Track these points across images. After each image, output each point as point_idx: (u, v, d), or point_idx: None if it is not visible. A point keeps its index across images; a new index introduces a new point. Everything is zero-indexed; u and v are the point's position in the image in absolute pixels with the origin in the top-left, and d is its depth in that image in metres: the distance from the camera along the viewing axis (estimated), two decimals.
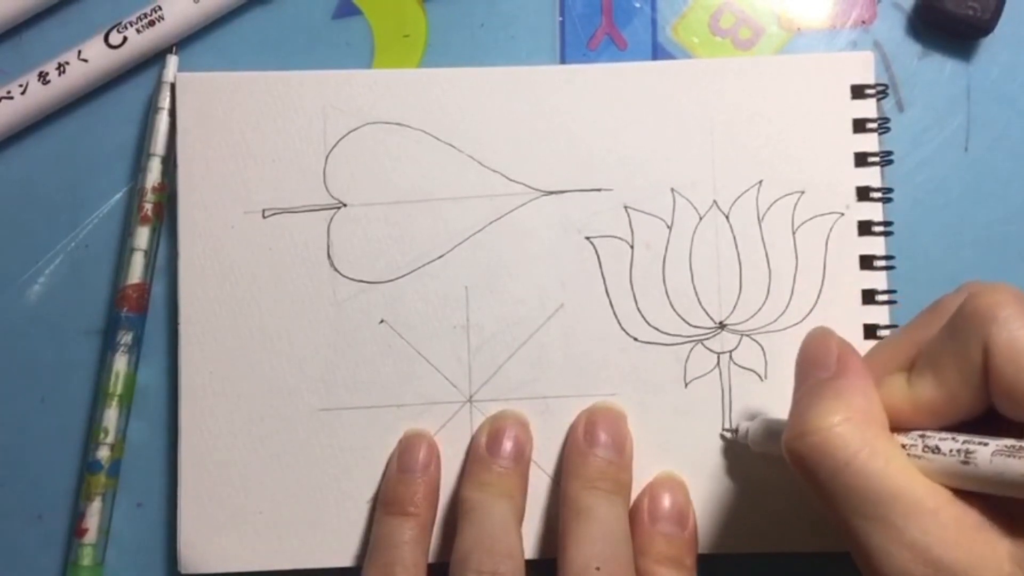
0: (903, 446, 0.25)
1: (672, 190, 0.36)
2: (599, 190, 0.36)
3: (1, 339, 0.37)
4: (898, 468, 0.24)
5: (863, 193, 0.36)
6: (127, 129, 0.38)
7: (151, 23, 0.36)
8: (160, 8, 0.36)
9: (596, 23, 0.38)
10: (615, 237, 0.36)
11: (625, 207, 0.36)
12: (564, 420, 0.35)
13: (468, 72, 0.36)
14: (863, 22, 0.38)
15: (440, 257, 0.36)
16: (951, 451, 0.24)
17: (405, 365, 0.36)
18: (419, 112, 0.36)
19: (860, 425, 0.25)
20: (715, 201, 0.36)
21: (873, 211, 0.36)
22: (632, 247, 0.36)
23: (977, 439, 0.24)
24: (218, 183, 0.36)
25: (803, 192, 0.36)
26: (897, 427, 0.26)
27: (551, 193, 0.36)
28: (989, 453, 0.23)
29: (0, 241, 0.37)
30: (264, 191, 0.36)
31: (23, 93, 0.36)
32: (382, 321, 0.36)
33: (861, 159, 0.36)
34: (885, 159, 0.36)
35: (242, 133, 0.36)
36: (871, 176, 0.36)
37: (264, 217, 0.36)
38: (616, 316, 0.36)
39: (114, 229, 0.37)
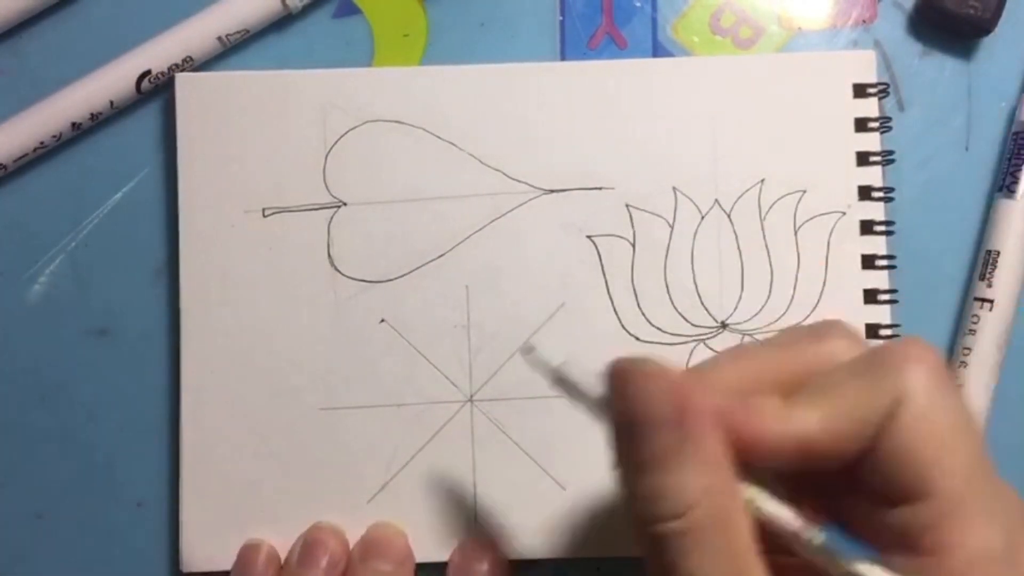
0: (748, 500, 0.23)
1: (674, 189, 0.36)
2: (600, 188, 0.36)
3: (1, 339, 0.37)
4: (745, 561, 0.22)
5: (865, 192, 0.36)
6: (127, 129, 0.38)
7: (182, 69, 0.36)
8: (191, 59, 0.36)
9: (596, 22, 0.38)
10: (616, 236, 0.36)
11: (627, 206, 0.36)
12: (565, 421, 0.35)
13: (468, 70, 0.36)
14: (864, 21, 0.38)
15: (441, 256, 0.36)
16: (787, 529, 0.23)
17: (405, 365, 0.36)
18: (419, 111, 0.36)
19: (714, 513, 0.22)
20: (717, 200, 0.36)
21: (875, 210, 0.36)
22: (634, 246, 0.36)
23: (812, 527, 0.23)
24: (218, 183, 0.36)
25: (805, 191, 0.36)
26: (753, 454, 0.23)
27: (552, 192, 0.36)
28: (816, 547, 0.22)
29: (0, 241, 0.37)
30: (264, 190, 0.36)
31: (57, 141, 0.37)
32: (382, 320, 0.36)
33: (863, 158, 0.36)
34: (887, 158, 0.36)
35: (242, 133, 0.36)
36: (873, 175, 0.36)
37: (264, 216, 0.36)
38: (617, 315, 0.36)
39: (114, 229, 0.37)
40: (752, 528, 0.23)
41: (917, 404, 0.23)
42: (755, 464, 0.23)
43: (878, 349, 0.24)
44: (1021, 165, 0.36)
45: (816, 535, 0.23)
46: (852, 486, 0.24)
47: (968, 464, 0.23)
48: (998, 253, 0.36)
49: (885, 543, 0.23)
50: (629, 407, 0.23)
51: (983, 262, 0.36)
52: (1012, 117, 0.37)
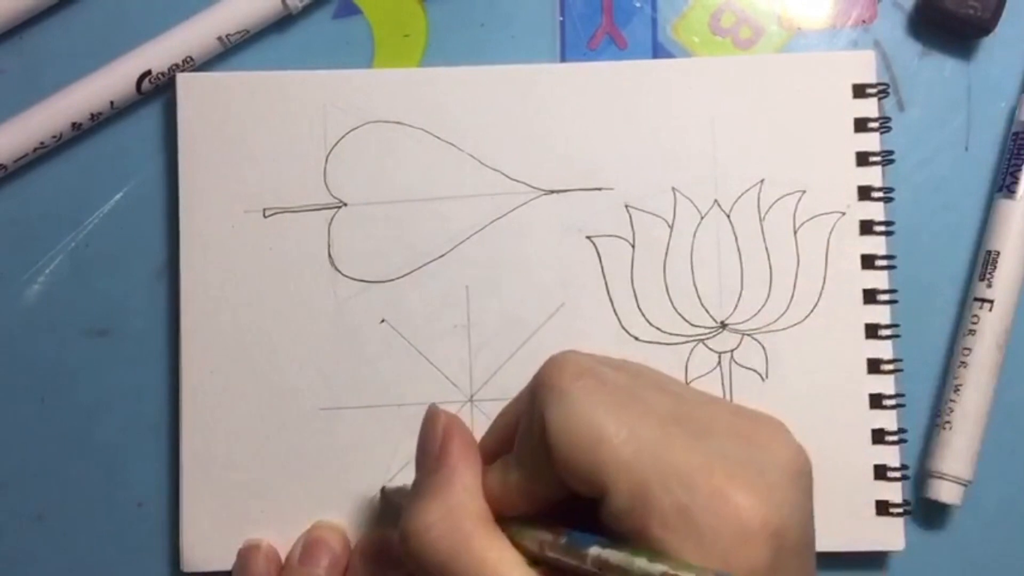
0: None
1: (673, 189, 0.36)
2: (600, 189, 0.36)
3: (1, 339, 0.37)
4: (493, 566, 0.24)
5: (864, 192, 0.36)
6: (127, 129, 0.38)
7: (182, 69, 0.36)
8: (192, 59, 0.36)
9: (596, 22, 0.38)
10: (616, 236, 0.36)
11: (626, 206, 0.36)
12: None
13: (468, 71, 0.36)
14: (863, 21, 0.38)
15: (441, 256, 0.36)
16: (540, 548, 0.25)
17: (406, 364, 0.36)
18: (419, 111, 0.36)
19: (454, 526, 0.25)
20: (716, 200, 0.36)
21: (874, 210, 0.36)
22: (633, 246, 0.36)
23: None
24: (218, 183, 0.36)
25: (804, 191, 0.36)
26: (502, 513, 0.26)
27: (552, 192, 0.36)
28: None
29: (0, 241, 0.37)
30: (264, 191, 0.36)
31: (57, 141, 0.36)
32: (383, 320, 0.36)
33: (862, 158, 0.36)
34: (886, 158, 0.36)
35: (242, 133, 0.36)
36: (872, 175, 0.36)
37: (265, 217, 0.36)
38: (617, 315, 0.36)
39: (114, 229, 0.37)
40: (497, 546, 0.25)
41: (550, 418, 0.24)
42: (511, 512, 0.26)
43: (529, 383, 0.26)
44: (1021, 165, 0.36)
45: (560, 538, 0.24)
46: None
47: (624, 443, 0.23)
48: (998, 253, 0.36)
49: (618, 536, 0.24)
50: (419, 440, 0.28)
51: (983, 262, 0.36)
52: (1012, 117, 0.37)
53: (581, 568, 0.23)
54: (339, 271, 0.36)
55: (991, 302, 0.36)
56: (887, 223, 0.36)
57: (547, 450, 0.24)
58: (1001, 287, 0.36)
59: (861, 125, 0.36)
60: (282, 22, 0.38)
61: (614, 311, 0.36)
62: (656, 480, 0.23)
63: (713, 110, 0.36)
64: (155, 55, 0.36)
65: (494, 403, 0.35)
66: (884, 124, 0.36)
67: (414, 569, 0.25)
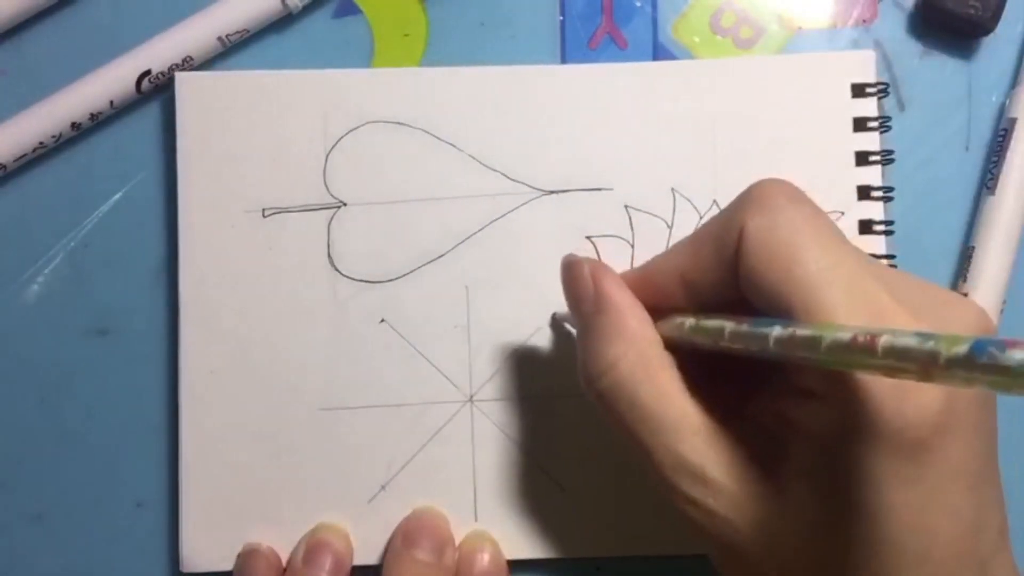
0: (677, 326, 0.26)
1: (672, 190, 0.36)
2: (599, 189, 0.36)
3: (1, 339, 0.37)
4: (673, 398, 0.26)
5: (864, 192, 0.36)
6: (127, 129, 0.38)
7: (182, 69, 0.36)
8: (191, 59, 0.36)
9: (596, 22, 0.38)
10: (616, 237, 0.36)
11: (626, 207, 0.36)
12: (565, 421, 0.35)
13: (468, 71, 0.36)
14: (864, 21, 0.38)
15: (440, 256, 0.36)
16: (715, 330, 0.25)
17: (405, 365, 0.36)
18: (419, 111, 0.36)
19: (636, 361, 0.26)
20: (715, 201, 0.36)
21: (874, 210, 0.36)
22: (633, 247, 0.36)
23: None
24: (218, 183, 0.36)
25: (804, 191, 0.36)
26: (652, 295, 0.27)
27: (552, 192, 0.36)
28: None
29: (0, 241, 0.37)
30: (264, 191, 0.36)
31: (57, 141, 0.36)
32: (382, 321, 0.36)
33: (862, 158, 0.36)
34: (886, 158, 0.36)
35: (242, 133, 0.36)
36: (872, 175, 0.36)
37: (264, 216, 0.36)
38: None
39: (114, 229, 0.37)
40: (676, 376, 0.26)
41: (755, 228, 0.24)
42: (663, 309, 0.27)
43: (739, 195, 0.26)
44: (1000, 162, 0.36)
45: (737, 323, 0.24)
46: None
47: (821, 270, 0.23)
48: (973, 248, 0.36)
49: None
50: (567, 291, 0.29)
51: (963, 258, 0.36)
52: (1001, 113, 0.37)
53: (753, 352, 0.23)
54: (339, 271, 0.36)
55: (965, 296, 0.36)
56: (887, 223, 0.36)
57: (738, 257, 0.25)
58: (978, 282, 0.35)
59: (861, 125, 0.36)
60: (282, 22, 0.38)
61: None
62: (845, 312, 0.22)
63: (711, 110, 0.36)
64: (155, 55, 0.36)
65: (494, 403, 0.35)
66: (884, 124, 0.36)
67: (602, 410, 0.27)
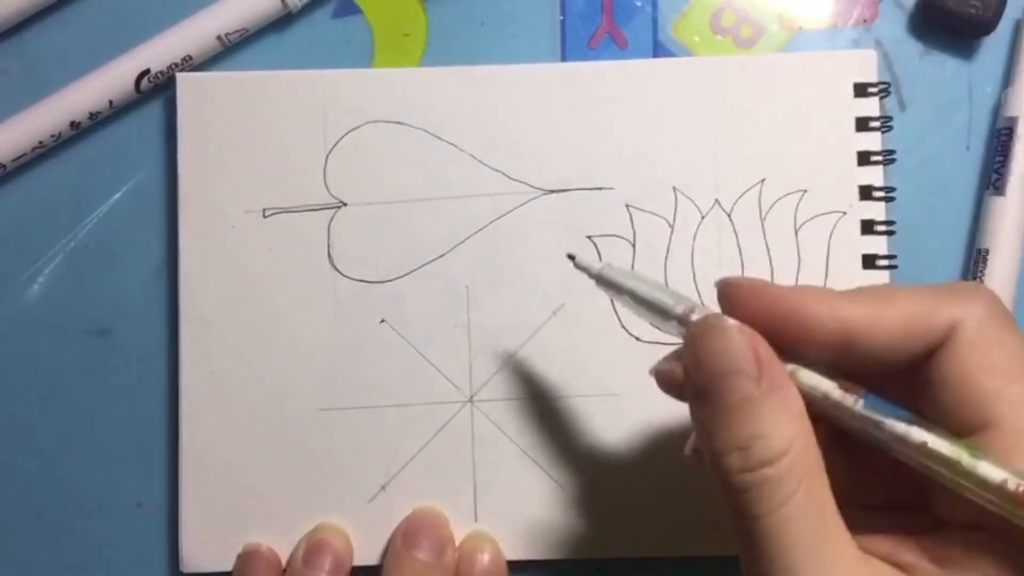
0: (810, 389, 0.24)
1: (674, 189, 0.36)
2: (600, 189, 0.36)
3: (1, 339, 0.37)
4: (824, 520, 0.23)
5: (866, 192, 0.36)
6: (127, 129, 0.38)
7: (182, 69, 0.36)
8: (191, 58, 0.36)
9: (597, 22, 0.38)
10: (617, 236, 0.36)
11: (627, 206, 0.36)
12: (565, 421, 0.35)
13: (468, 71, 0.36)
14: (864, 21, 0.38)
15: (441, 256, 0.36)
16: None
17: (405, 365, 0.35)
18: (419, 111, 0.36)
19: (800, 459, 0.22)
20: (717, 200, 0.36)
21: (876, 210, 0.36)
22: (634, 246, 0.36)
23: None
24: (218, 183, 0.36)
25: (805, 191, 0.36)
26: (797, 334, 0.24)
27: (552, 192, 0.36)
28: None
29: (0, 241, 0.37)
30: (264, 191, 0.36)
31: (57, 141, 0.36)
32: (382, 321, 0.36)
33: (864, 158, 0.36)
34: (887, 158, 0.36)
35: (242, 133, 0.36)
36: (873, 175, 0.36)
37: (264, 217, 0.36)
38: (618, 316, 0.36)
39: (114, 229, 0.37)
40: (827, 488, 0.23)
41: (977, 331, 0.23)
42: (799, 350, 0.24)
43: (941, 284, 0.25)
44: (1006, 162, 0.36)
45: (857, 401, 0.23)
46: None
47: (1018, 393, 0.23)
48: (987, 251, 0.36)
49: None
50: (711, 359, 0.24)
51: (974, 261, 0.36)
52: (996, 113, 0.37)
53: (893, 447, 0.22)
54: (339, 271, 0.36)
55: None
56: (888, 223, 0.36)
57: (947, 347, 0.23)
58: (993, 285, 0.35)
59: (862, 124, 0.36)
60: (281, 21, 0.37)
61: (615, 311, 0.36)
62: None
63: (713, 109, 0.36)
64: (154, 54, 0.36)
65: (494, 403, 0.35)
66: (885, 123, 0.36)
67: (733, 499, 0.23)
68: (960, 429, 0.23)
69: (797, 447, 0.22)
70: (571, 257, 0.30)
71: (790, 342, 0.24)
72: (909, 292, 0.24)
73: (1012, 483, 0.20)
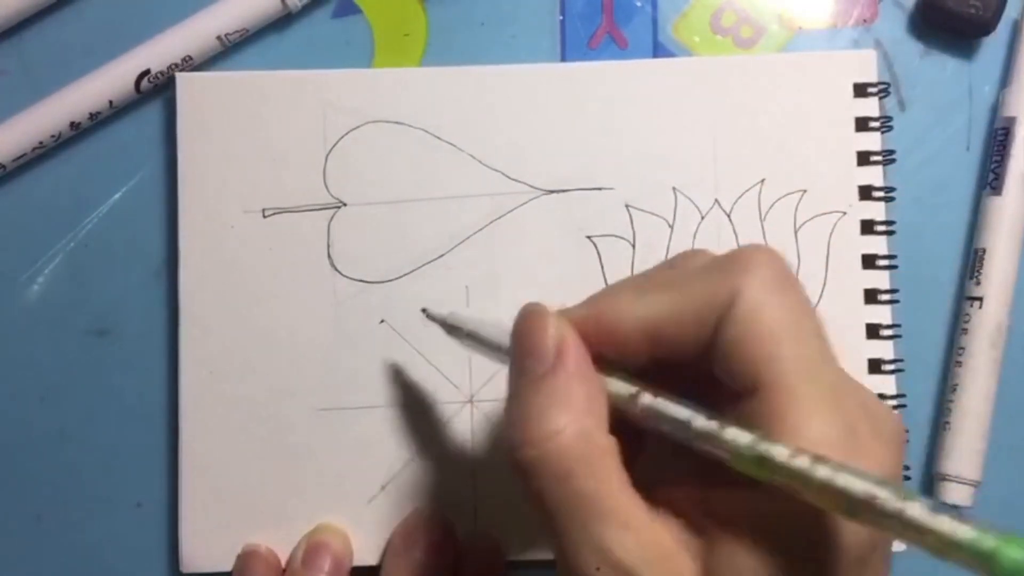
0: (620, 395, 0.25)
1: (674, 189, 0.36)
2: (600, 189, 0.36)
3: (1, 339, 0.37)
4: (610, 485, 0.23)
5: (865, 192, 0.36)
6: (127, 129, 0.38)
7: (181, 69, 0.36)
8: (191, 58, 0.36)
9: (597, 22, 0.38)
10: (616, 236, 0.36)
11: (626, 206, 0.36)
12: None
13: (468, 71, 0.36)
14: (864, 21, 0.38)
15: (440, 256, 0.36)
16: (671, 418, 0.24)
17: (405, 365, 0.35)
18: (419, 111, 0.36)
19: (579, 435, 0.24)
20: (717, 200, 0.36)
21: (875, 210, 0.36)
22: (634, 246, 0.36)
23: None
24: (218, 183, 0.36)
25: (805, 191, 0.36)
26: (609, 341, 0.25)
27: (552, 192, 0.36)
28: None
29: (0, 241, 0.37)
30: (264, 191, 0.36)
31: (57, 141, 0.36)
32: (382, 321, 0.36)
33: (863, 158, 0.36)
34: (887, 158, 0.36)
35: (242, 133, 0.36)
36: (873, 175, 0.36)
37: (264, 217, 0.36)
38: None
39: (114, 229, 0.37)
40: (617, 464, 0.24)
41: (749, 300, 0.23)
42: (613, 356, 0.25)
43: (727, 253, 0.25)
44: (1003, 161, 0.36)
45: (644, 397, 0.24)
46: (707, 391, 0.24)
47: (801, 357, 0.23)
48: (984, 250, 0.36)
49: None
50: (518, 339, 0.26)
51: (972, 260, 0.36)
52: (995, 113, 0.37)
53: (710, 451, 0.23)
54: (338, 271, 0.36)
55: (980, 299, 0.36)
56: (888, 223, 0.36)
57: (724, 324, 0.23)
58: (990, 284, 0.35)
59: (862, 124, 0.36)
60: (281, 21, 0.37)
61: None
62: (814, 406, 0.22)
63: (713, 109, 0.36)
64: (154, 54, 0.36)
65: (494, 403, 0.35)
66: (885, 123, 0.36)
67: (524, 479, 0.24)
68: (737, 392, 0.23)
69: (568, 433, 0.23)
70: (424, 311, 0.33)
71: (611, 352, 0.25)
72: (700, 272, 0.25)
73: (752, 448, 0.21)
